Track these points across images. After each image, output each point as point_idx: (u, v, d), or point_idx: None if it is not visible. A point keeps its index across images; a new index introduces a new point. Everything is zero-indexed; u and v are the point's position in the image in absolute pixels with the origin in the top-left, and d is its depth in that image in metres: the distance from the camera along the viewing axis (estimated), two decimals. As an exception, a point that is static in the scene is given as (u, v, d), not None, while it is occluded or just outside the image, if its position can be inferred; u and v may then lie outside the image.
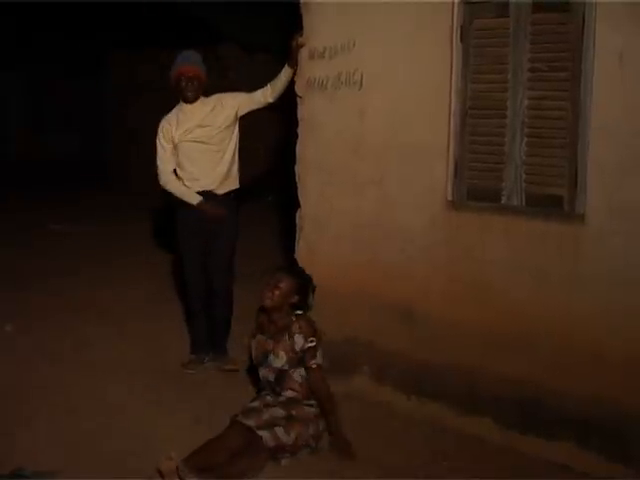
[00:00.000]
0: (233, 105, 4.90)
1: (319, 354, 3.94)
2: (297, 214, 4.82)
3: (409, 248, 4.28)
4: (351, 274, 4.40)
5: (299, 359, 3.94)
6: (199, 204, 4.86)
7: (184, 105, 4.89)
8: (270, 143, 10.87)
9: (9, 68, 14.68)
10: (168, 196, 5.03)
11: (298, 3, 4.71)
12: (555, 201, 3.71)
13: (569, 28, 3.59)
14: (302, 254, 4.81)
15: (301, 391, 3.97)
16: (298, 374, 3.97)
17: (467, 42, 3.96)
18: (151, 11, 11.35)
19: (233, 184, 5.02)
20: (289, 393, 3.96)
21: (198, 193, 4.89)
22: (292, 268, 4.24)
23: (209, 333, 5.19)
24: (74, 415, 4.26)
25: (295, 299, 4.03)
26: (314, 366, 3.93)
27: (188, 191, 4.90)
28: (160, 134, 4.93)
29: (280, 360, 3.95)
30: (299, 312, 4.04)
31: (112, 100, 14.78)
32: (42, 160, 15.13)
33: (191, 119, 4.84)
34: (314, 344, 3.93)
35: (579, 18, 3.54)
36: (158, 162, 4.96)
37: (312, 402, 3.97)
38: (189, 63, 4.86)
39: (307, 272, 4.17)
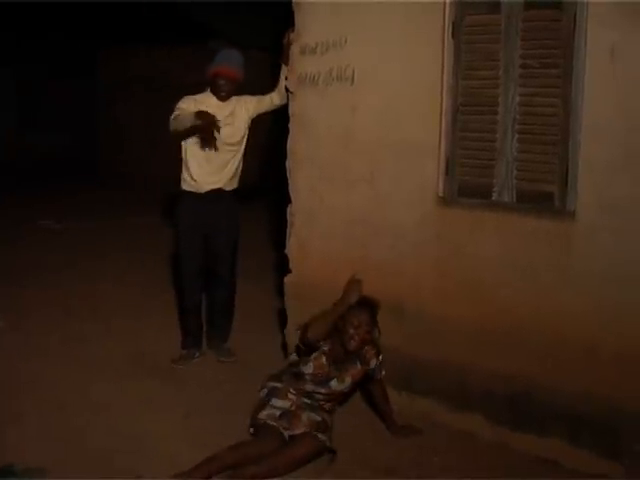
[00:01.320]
0: (248, 108, 4.98)
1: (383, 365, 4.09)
2: (288, 210, 4.82)
3: (400, 244, 4.29)
4: (342, 270, 4.37)
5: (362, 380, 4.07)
6: (198, 116, 4.64)
7: (212, 98, 4.91)
8: (262, 139, 10.86)
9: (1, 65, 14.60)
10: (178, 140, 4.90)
11: (291, 0, 4.70)
12: (546, 198, 3.72)
13: (560, 25, 3.59)
14: (293, 250, 4.81)
15: (336, 400, 4.05)
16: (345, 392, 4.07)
17: (459, 39, 3.96)
18: (151, 11, 11.30)
19: (236, 183, 5.10)
20: (327, 406, 3.99)
21: (207, 191, 4.92)
22: (368, 301, 4.02)
23: (202, 327, 5.24)
24: (64, 411, 4.24)
25: (375, 333, 4.07)
26: (381, 377, 4.10)
27: (186, 113, 4.72)
28: (182, 101, 4.88)
29: (344, 384, 3.99)
30: None
31: (103, 97, 14.75)
32: (33, 158, 15.06)
33: (215, 114, 4.81)
34: (382, 358, 4.05)
35: (571, 15, 3.54)
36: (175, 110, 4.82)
37: (329, 410, 4.01)
38: (231, 64, 4.86)
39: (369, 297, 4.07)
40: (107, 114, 14.46)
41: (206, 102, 4.88)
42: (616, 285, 3.52)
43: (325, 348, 3.96)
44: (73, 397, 4.42)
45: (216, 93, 4.91)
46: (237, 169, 5.05)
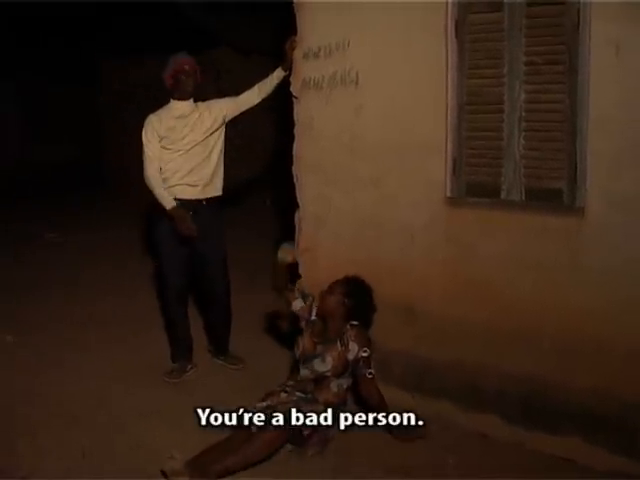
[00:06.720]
0: (221, 108, 4.91)
1: (373, 364, 4.01)
2: (296, 214, 4.81)
3: (409, 246, 4.27)
4: (351, 273, 4.37)
5: (346, 369, 3.99)
6: (172, 209, 4.70)
7: (176, 107, 4.84)
8: (266, 145, 10.90)
9: (2, 77, 14.62)
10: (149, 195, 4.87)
11: (292, 4, 4.70)
12: (555, 195, 3.70)
13: (564, 21, 3.58)
14: (302, 254, 4.80)
15: (333, 400, 3.99)
16: (335, 384, 4.00)
17: (462, 37, 3.95)
18: (154, 19, 11.32)
19: (216, 191, 4.96)
20: (321, 398, 3.96)
21: (183, 201, 4.78)
22: (353, 279, 4.16)
23: (192, 340, 5.13)
24: (75, 425, 4.23)
25: (347, 303, 4.05)
26: (370, 376, 4.00)
27: (166, 194, 4.74)
28: (146, 129, 4.87)
29: (325, 365, 3.98)
30: (354, 322, 4.06)
31: (107, 107, 14.81)
32: (38, 170, 15.07)
33: (179, 120, 4.81)
34: (368, 354, 3.98)
35: (574, 10, 3.53)
36: (144, 156, 4.84)
37: (329, 403, 3.97)
38: (185, 58, 4.81)
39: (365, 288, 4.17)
40: (112, 124, 14.50)
41: (170, 115, 4.82)
42: (627, 281, 3.50)
43: (310, 323, 4.17)
44: (86, 409, 4.42)
45: (183, 92, 4.81)
46: (214, 174, 4.89)
